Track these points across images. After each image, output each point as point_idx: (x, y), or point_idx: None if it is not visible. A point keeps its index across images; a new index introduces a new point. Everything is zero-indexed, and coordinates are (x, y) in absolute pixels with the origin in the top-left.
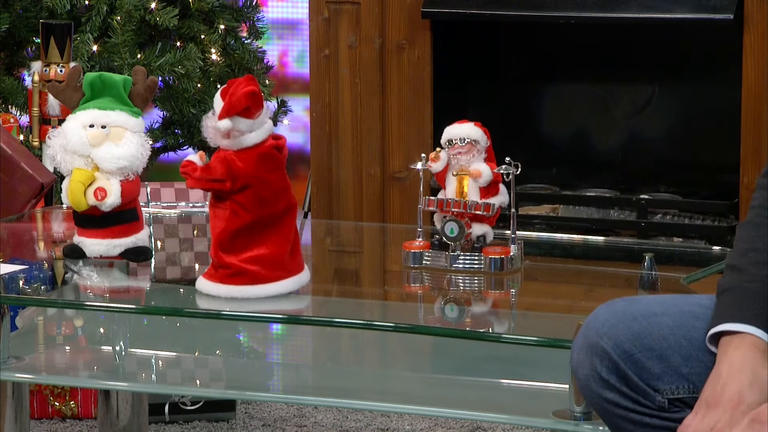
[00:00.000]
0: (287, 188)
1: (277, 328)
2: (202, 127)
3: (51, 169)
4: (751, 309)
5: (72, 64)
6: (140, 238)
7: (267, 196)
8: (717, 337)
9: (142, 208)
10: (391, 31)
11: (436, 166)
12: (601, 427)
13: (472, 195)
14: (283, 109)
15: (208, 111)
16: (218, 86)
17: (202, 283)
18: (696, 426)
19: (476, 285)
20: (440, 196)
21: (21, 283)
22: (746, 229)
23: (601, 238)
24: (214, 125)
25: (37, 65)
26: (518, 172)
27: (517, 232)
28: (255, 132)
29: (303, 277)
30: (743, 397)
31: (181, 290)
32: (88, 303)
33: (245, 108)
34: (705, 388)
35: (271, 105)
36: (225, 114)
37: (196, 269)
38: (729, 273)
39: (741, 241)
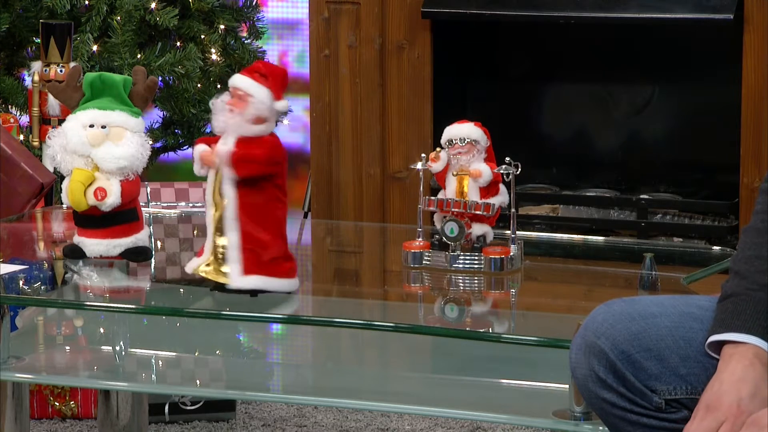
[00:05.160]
0: None
1: (277, 328)
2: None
3: (51, 169)
4: (755, 319)
5: (72, 64)
6: (140, 238)
7: (284, 184)
8: (717, 343)
9: (142, 208)
10: (391, 31)
11: (436, 166)
12: (600, 428)
13: (472, 195)
14: None
15: (208, 111)
16: (218, 86)
17: (264, 281)
18: (694, 430)
19: (476, 285)
20: (440, 196)
21: (21, 283)
22: (750, 235)
23: (601, 238)
24: (272, 106)
25: (37, 65)
26: (518, 172)
27: (517, 232)
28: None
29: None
30: (743, 406)
31: (181, 290)
32: (88, 303)
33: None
34: (704, 393)
35: None
36: (280, 93)
37: None
38: (733, 278)
39: (746, 246)
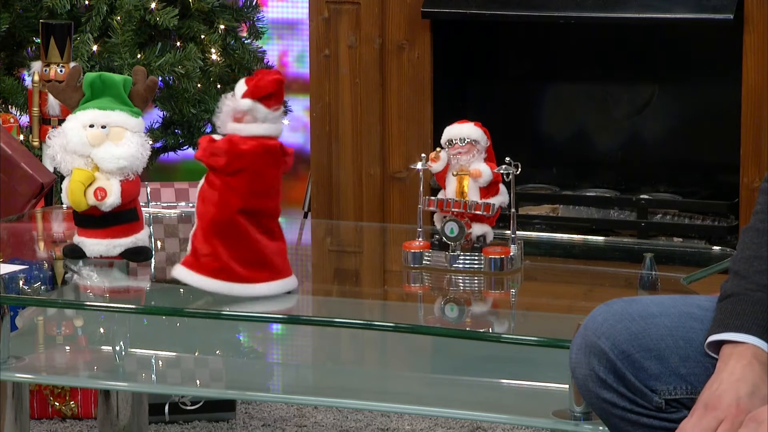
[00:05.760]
0: (279, 193)
1: (277, 328)
2: (218, 109)
3: (51, 169)
4: (754, 319)
5: (72, 64)
6: (140, 238)
7: (260, 188)
8: (716, 343)
9: (142, 208)
10: (391, 31)
11: (436, 166)
12: (601, 427)
13: (472, 195)
14: (283, 109)
15: (208, 111)
16: (218, 86)
17: (183, 273)
18: (692, 427)
19: (476, 285)
20: (440, 196)
21: (21, 283)
22: (750, 235)
23: (601, 238)
24: (235, 105)
25: (37, 65)
26: (518, 172)
27: (517, 232)
28: (267, 124)
29: (290, 282)
30: (742, 405)
31: (181, 290)
32: (88, 303)
33: (269, 94)
34: (703, 392)
35: None
36: (249, 94)
37: None
38: (733, 278)
39: (745, 246)
